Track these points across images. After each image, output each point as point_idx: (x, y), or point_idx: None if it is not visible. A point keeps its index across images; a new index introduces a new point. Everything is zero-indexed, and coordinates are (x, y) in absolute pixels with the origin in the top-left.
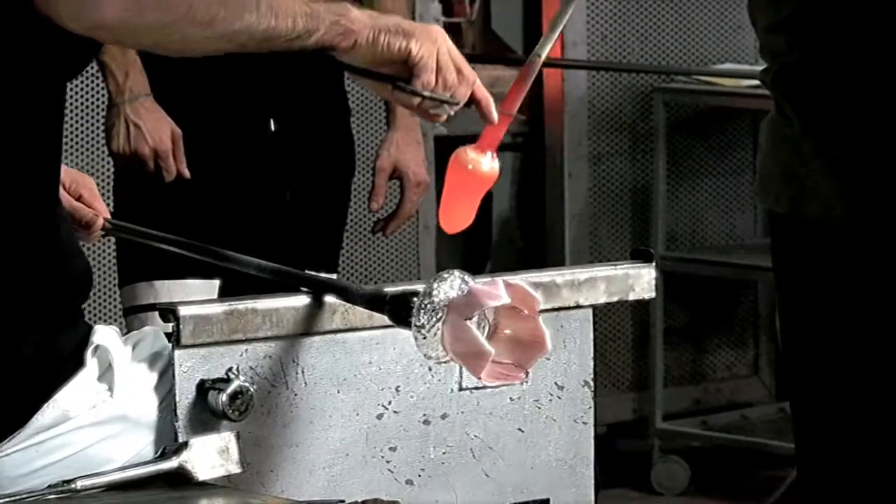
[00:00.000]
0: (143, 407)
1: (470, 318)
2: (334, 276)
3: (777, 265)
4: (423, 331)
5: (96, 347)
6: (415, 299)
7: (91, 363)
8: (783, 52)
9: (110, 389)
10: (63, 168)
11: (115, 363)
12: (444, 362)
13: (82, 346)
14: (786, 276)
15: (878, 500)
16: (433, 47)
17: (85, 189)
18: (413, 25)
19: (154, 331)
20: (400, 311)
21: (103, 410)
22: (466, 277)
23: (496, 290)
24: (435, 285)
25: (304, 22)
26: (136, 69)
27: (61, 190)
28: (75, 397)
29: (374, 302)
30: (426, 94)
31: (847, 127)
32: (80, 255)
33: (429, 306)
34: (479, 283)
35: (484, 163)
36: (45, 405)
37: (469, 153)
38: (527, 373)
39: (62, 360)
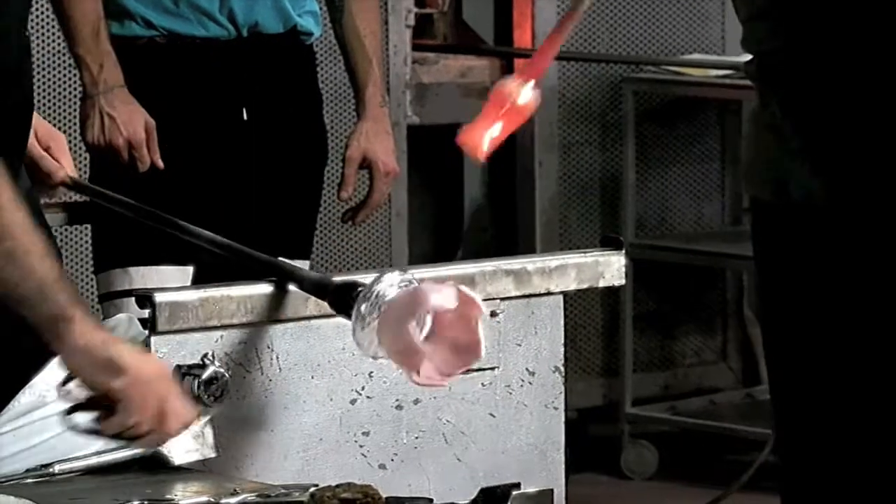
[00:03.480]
0: None
1: (410, 316)
2: (307, 264)
3: (759, 252)
4: (362, 322)
5: None
6: (359, 289)
7: None
8: (764, 41)
9: None
10: (39, 119)
11: None
12: (378, 358)
13: None
14: (768, 262)
15: (859, 485)
16: (141, 391)
17: (53, 142)
18: (129, 365)
19: (128, 317)
20: (342, 300)
21: (79, 396)
22: (413, 278)
23: (443, 293)
24: (381, 279)
25: (27, 288)
26: (110, 61)
27: (32, 139)
28: (51, 382)
29: (319, 289)
30: (107, 431)
31: (826, 112)
32: (49, 240)
33: (371, 299)
34: (429, 284)
35: (524, 93)
36: (22, 391)
37: (512, 83)
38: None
39: (36, 346)
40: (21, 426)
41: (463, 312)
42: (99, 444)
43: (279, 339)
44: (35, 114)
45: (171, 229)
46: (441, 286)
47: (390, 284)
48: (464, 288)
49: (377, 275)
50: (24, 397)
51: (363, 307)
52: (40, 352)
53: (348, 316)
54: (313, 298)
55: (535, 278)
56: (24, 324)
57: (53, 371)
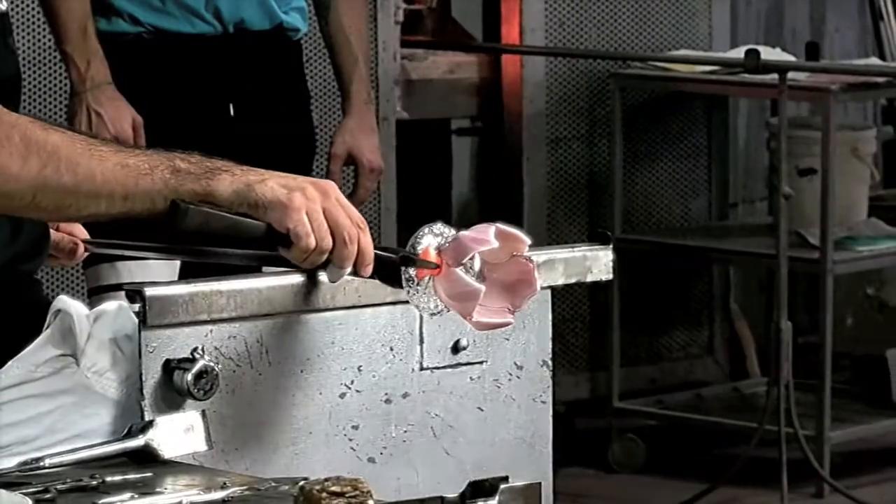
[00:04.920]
0: (107, 381)
1: (459, 264)
2: None
3: None
4: (415, 285)
5: (58, 311)
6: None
7: (54, 325)
8: None
9: (74, 356)
10: None
11: (76, 329)
12: (439, 313)
13: (43, 308)
14: None
15: None
16: (298, 216)
17: None
18: (274, 199)
19: (118, 305)
20: (389, 271)
21: (68, 378)
22: (448, 228)
23: (485, 235)
24: (419, 238)
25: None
26: (97, 58)
27: None
28: (39, 356)
29: None
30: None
31: None
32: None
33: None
34: (468, 230)
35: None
36: (10, 362)
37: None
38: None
39: (24, 319)
40: (8, 401)
41: (508, 249)
42: (86, 428)
43: (269, 333)
44: None
45: (204, 258)
46: (482, 230)
47: (431, 240)
48: (503, 225)
49: (414, 236)
50: (11, 370)
51: (412, 270)
52: (25, 325)
53: (400, 285)
54: (302, 293)
55: None
56: (12, 296)
57: (41, 345)
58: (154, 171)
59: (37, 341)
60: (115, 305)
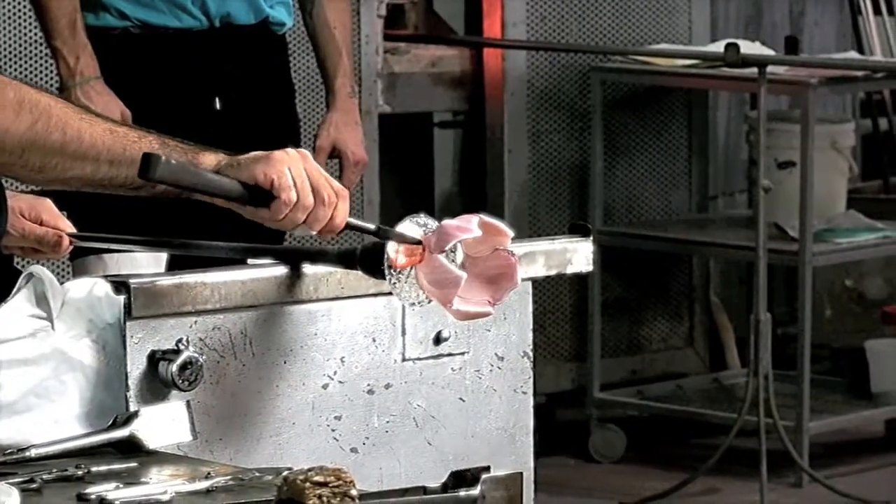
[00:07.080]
0: (84, 347)
1: (442, 251)
2: None
3: None
4: (397, 274)
5: (29, 275)
6: (386, 247)
7: (26, 288)
8: None
9: (49, 320)
10: (19, 196)
11: (49, 294)
12: (423, 303)
13: (14, 274)
14: None
15: None
16: (284, 168)
17: (45, 212)
18: (265, 154)
19: (93, 282)
20: (371, 261)
21: (44, 343)
22: (430, 220)
23: (468, 224)
24: (402, 227)
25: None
26: (86, 53)
27: (22, 219)
28: (14, 315)
29: (346, 258)
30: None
31: None
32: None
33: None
34: (451, 220)
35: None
36: None
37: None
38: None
39: None
40: None
41: (490, 241)
42: (64, 397)
43: (252, 324)
44: (11, 195)
45: (190, 251)
46: (465, 219)
47: (414, 230)
48: (487, 217)
49: (397, 226)
50: None
51: (392, 252)
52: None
53: (382, 275)
54: (286, 284)
55: None
56: None
57: (15, 305)
58: (142, 139)
59: (8, 302)
60: (90, 280)
